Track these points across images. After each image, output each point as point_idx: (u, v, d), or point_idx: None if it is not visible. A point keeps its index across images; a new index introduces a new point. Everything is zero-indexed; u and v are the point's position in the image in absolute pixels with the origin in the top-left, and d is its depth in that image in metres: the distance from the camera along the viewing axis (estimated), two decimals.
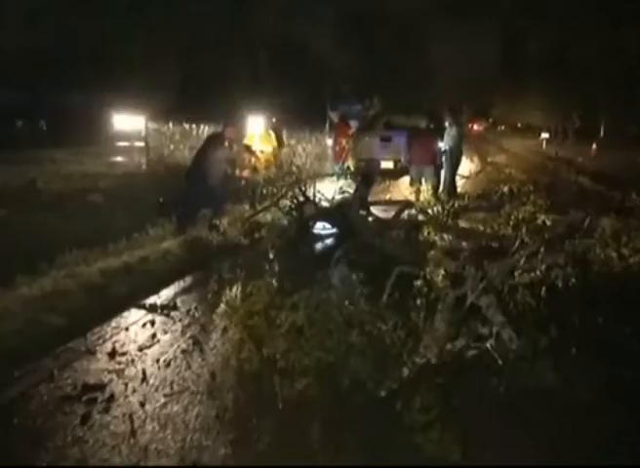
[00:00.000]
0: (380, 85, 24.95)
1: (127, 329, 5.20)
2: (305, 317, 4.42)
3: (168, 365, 4.46)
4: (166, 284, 6.59)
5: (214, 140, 9.30)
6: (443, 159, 11.36)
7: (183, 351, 4.72)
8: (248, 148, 10.75)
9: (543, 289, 4.71)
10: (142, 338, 4.96)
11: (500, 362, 3.81)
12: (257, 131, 13.14)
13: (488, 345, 3.78)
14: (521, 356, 3.87)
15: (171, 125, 20.32)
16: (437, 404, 3.53)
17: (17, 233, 7.73)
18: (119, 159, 18.29)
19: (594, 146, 31.53)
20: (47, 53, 23.22)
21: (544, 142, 37.65)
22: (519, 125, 69.58)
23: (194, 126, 20.22)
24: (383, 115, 13.82)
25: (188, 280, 6.82)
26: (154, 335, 5.03)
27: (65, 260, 6.78)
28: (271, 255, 6.80)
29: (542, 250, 5.24)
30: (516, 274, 5.02)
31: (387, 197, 12.55)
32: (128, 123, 17.74)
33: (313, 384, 3.82)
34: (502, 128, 78.47)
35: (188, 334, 5.06)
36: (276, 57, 29.76)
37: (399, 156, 13.40)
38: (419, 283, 4.95)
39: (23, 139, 20.43)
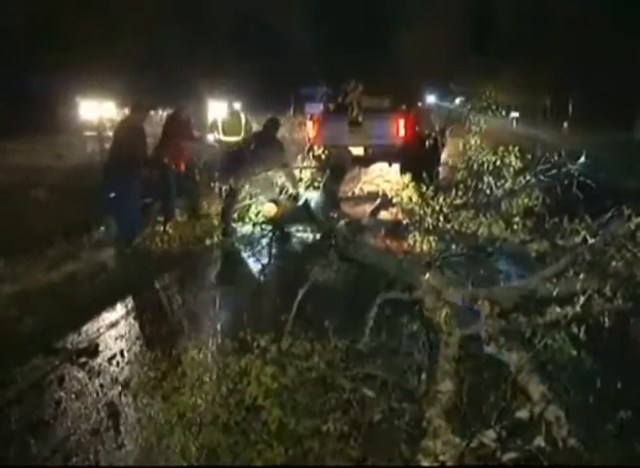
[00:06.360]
0: (347, 63, 23.61)
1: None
2: (256, 388, 3.09)
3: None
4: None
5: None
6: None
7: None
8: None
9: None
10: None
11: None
12: (220, 116, 11.15)
13: (534, 446, 2.50)
14: (576, 451, 2.60)
15: (127, 111, 18.77)
16: None
17: None
18: (75, 150, 16.63)
19: (565, 125, 30.62)
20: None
21: (515, 121, 36.69)
22: (484, 104, 68.74)
23: (154, 111, 18.62)
24: (352, 97, 12.49)
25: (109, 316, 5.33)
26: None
27: None
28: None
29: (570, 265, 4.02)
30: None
31: (358, 187, 11.30)
32: (96, 110, 16.03)
33: None
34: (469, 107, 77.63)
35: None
36: (237, 34, 28.17)
37: (369, 142, 12.14)
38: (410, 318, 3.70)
39: None
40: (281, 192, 8.23)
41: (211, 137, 9.92)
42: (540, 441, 2.51)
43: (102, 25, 23.25)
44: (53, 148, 16.14)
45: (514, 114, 38.15)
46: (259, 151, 7.78)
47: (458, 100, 10.25)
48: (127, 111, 7.73)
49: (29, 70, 21.64)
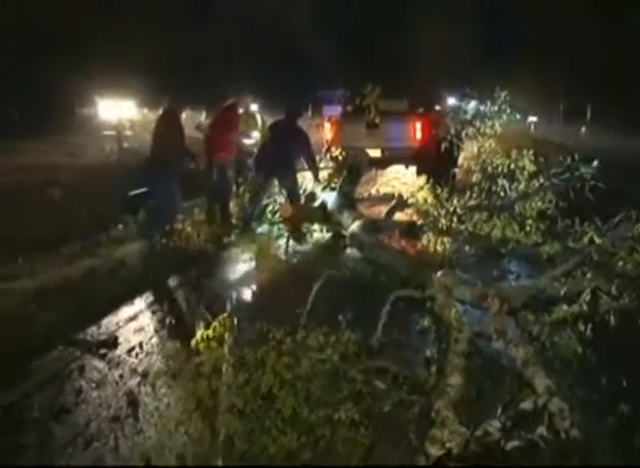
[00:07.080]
0: (363, 66, 23.70)
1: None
2: (271, 378, 3.22)
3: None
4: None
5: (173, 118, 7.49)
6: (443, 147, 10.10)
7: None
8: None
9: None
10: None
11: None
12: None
13: (536, 435, 2.59)
14: (578, 442, 2.69)
15: (146, 111, 18.95)
16: None
17: None
18: (91, 149, 16.73)
19: (583, 129, 30.50)
20: (20, 32, 21.39)
21: (532, 126, 36.40)
22: (500, 107, 68.30)
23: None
24: (370, 99, 12.59)
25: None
26: None
27: None
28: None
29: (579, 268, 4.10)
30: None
31: (374, 188, 11.42)
32: (114, 109, 16.12)
33: None
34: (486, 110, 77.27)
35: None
36: (252, 36, 28.33)
37: (386, 144, 12.23)
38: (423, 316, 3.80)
39: None
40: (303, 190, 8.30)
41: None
42: (542, 430, 2.61)
43: (121, 24, 23.44)
44: (68, 147, 16.20)
45: (532, 118, 37.97)
46: (284, 142, 7.78)
47: (473, 103, 10.28)
48: (164, 105, 7.62)
49: (47, 69, 21.79)
